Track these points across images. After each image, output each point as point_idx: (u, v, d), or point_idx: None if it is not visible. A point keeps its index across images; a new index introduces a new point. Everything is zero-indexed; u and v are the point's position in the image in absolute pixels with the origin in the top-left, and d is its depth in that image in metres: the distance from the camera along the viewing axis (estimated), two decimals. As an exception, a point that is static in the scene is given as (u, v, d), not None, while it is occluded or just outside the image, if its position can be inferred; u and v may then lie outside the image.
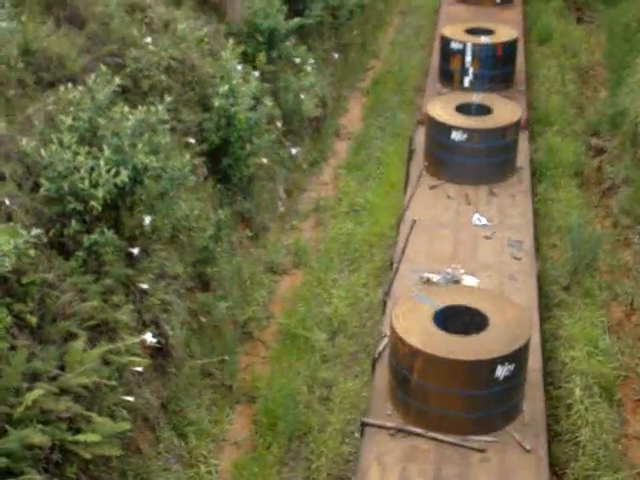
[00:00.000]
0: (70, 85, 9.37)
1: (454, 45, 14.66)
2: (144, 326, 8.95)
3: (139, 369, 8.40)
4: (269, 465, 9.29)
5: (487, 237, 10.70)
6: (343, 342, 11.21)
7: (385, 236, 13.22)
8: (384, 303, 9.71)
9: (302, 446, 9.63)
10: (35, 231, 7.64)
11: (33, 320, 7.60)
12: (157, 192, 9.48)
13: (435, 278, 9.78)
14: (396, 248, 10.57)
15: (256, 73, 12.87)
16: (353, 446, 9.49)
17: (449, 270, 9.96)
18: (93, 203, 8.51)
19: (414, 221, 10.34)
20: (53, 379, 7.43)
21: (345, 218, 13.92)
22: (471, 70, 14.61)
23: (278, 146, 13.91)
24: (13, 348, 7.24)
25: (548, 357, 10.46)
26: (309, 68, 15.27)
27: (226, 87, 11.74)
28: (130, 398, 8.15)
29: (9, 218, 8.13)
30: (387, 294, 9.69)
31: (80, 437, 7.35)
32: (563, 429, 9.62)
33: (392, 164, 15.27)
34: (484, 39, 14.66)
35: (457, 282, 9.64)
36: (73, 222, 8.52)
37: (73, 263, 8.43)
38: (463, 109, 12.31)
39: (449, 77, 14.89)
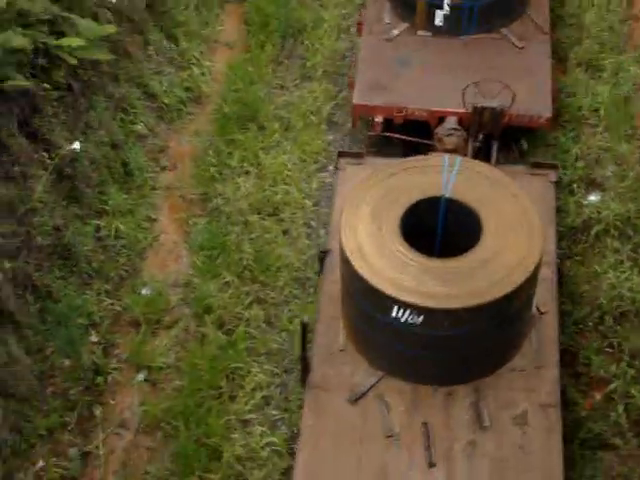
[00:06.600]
0: None
1: None
2: None
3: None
4: (263, 64, 9.04)
5: None
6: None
7: None
8: None
9: (296, 44, 9.32)
10: None
11: None
12: None
13: None
14: None
15: None
16: (349, 41, 9.23)
17: None
18: None
19: None
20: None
21: None
22: None
23: None
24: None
25: None
26: None
27: None
28: (112, -1, 7.71)
29: None
30: None
31: (64, 41, 7.07)
32: (567, 13, 9.24)
33: None
34: None
35: None
36: None
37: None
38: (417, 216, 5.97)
39: None
